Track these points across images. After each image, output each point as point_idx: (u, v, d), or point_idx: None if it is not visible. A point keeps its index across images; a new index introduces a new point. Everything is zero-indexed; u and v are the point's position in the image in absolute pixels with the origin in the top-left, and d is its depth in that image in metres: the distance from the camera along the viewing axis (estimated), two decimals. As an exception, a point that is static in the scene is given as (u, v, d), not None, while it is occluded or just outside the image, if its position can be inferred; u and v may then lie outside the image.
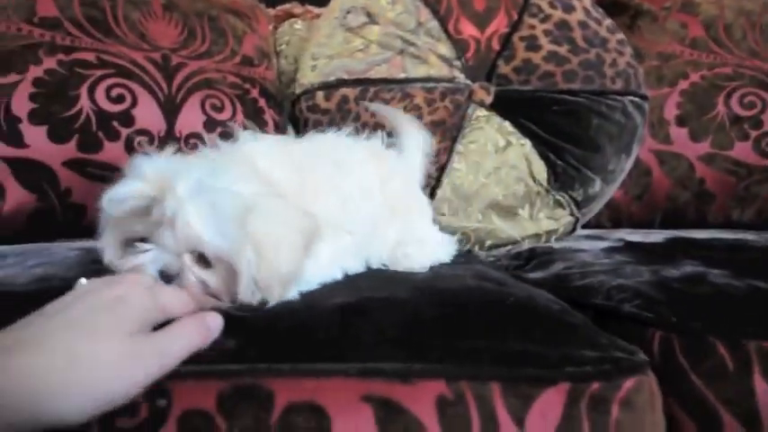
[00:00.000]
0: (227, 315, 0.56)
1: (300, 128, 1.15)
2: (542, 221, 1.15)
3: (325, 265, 0.68)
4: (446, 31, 1.16)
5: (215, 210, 0.55)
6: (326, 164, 0.73)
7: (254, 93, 1.21)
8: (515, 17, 1.16)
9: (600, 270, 0.83)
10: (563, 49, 1.16)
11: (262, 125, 1.19)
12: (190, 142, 1.07)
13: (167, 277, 0.56)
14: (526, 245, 1.13)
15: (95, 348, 0.42)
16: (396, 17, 1.14)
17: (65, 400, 0.40)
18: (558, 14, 1.16)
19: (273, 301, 0.59)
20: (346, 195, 0.72)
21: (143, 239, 0.57)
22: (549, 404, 0.52)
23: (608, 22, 1.21)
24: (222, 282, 0.58)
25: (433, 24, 1.15)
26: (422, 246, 0.83)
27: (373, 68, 1.12)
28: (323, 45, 1.15)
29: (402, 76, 1.13)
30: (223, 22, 1.23)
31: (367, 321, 0.58)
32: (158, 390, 0.47)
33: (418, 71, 1.13)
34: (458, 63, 1.16)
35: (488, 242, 1.13)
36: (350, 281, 0.68)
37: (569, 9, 1.17)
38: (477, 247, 1.14)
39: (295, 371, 0.50)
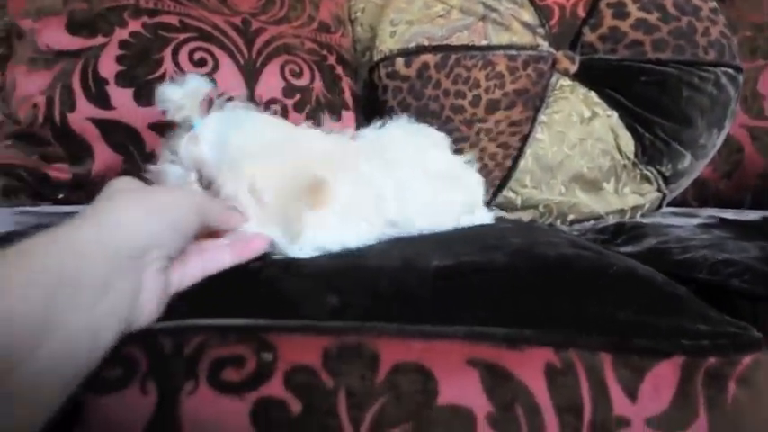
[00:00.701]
0: (327, 270, 0.56)
1: (379, 95, 1.13)
2: (628, 197, 1.11)
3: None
4: (530, -4, 1.12)
5: (221, 139, 0.59)
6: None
7: (332, 60, 1.20)
8: (603, -18, 1.11)
9: (700, 245, 0.78)
10: (653, 17, 1.10)
11: (338, 93, 1.17)
12: (270, 108, 1.06)
13: (207, 184, 0.60)
14: (610, 220, 1.09)
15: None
16: (478, -18, 1.11)
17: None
18: (647, -21, 1.11)
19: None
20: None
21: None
22: (663, 377, 0.49)
23: (701, -12, 1.15)
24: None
25: (517, -11, 1.12)
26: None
27: (454, 35, 1.09)
28: (402, 11, 1.13)
29: (484, 42, 1.09)
30: (300, -12, 1.21)
31: (468, 285, 0.56)
32: (264, 343, 0.46)
33: (501, 38, 1.10)
34: (541, 30, 1.12)
35: (571, 216, 1.10)
36: (442, 244, 0.66)
37: (660, -26, 1.12)
38: (558, 221, 1.11)
39: (401, 331, 0.48)
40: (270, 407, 0.44)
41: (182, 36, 1.01)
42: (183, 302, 0.50)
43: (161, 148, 0.64)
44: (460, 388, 0.46)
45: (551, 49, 1.12)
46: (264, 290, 0.52)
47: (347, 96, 1.19)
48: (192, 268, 0.52)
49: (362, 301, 0.52)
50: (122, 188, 0.50)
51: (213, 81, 0.65)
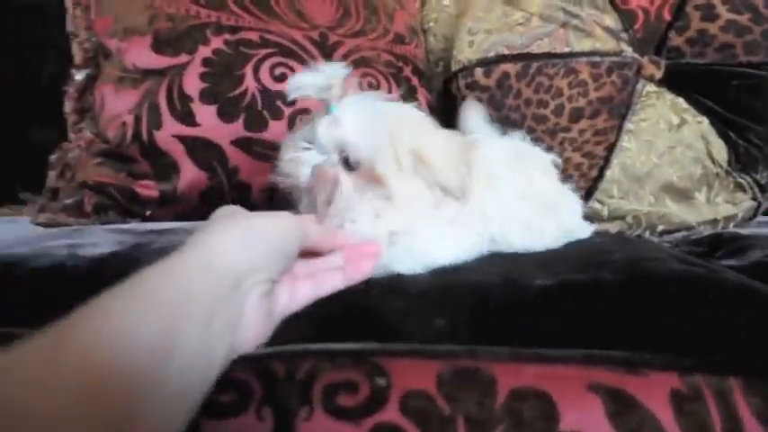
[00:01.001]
0: (430, 290, 0.54)
1: (458, 106, 1.11)
2: (720, 206, 1.06)
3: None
4: (612, 1, 1.08)
5: (368, 116, 0.61)
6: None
7: (407, 71, 1.19)
8: (689, -16, 1.07)
9: (812, 258, 0.74)
10: (743, 18, 1.05)
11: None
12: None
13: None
14: (702, 230, 1.05)
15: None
16: (558, -12, 1.08)
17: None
18: (737, -21, 1.06)
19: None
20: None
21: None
22: (797, 404, 0.46)
23: (794, -14, 1.10)
24: (358, 188, 0.62)
25: (599, -6, 1.08)
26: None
27: (535, 43, 1.07)
28: (480, 20, 1.11)
29: (566, 50, 1.07)
30: (375, 0, 1.21)
31: (577, 305, 0.54)
32: (376, 367, 0.45)
33: (583, 45, 1.07)
34: (625, 35, 1.09)
35: (660, 227, 1.06)
36: (540, 261, 0.64)
37: (750, -27, 1.07)
38: (647, 233, 1.07)
39: (515, 355, 0.46)
40: (386, 433, 0.43)
41: (262, 52, 1.02)
42: (291, 327, 0.50)
43: (285, 139, 0.68)
44: (583, 414, 0.44)
45: (636, 55, 1.08)
46: (371, 313, 0.51)
47: (423, 108, 1.18)
48: (301, 292, 0.52)
49: (469, 322, 0.50)
50: (223, 215, 0.50)
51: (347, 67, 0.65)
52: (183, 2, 1.02)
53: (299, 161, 0.64)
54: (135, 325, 0.36)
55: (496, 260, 0.66)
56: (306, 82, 0.62)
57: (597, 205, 1.07)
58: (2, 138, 1.14)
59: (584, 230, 0.85)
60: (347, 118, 0.61)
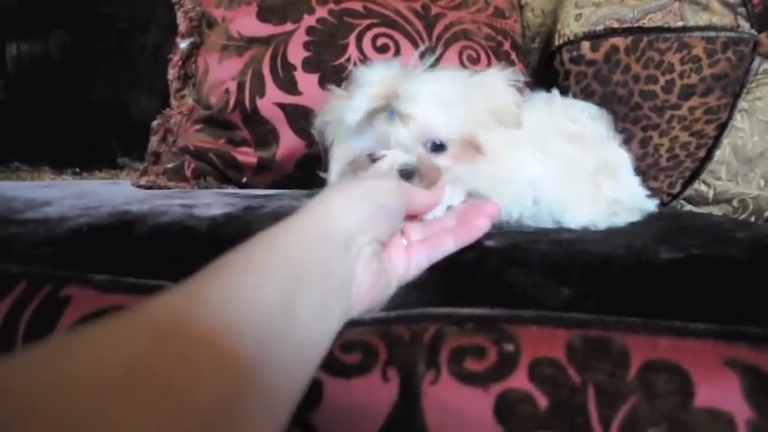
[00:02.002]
0: (551, 260, 0.53)
1: (560, 80, 1.08)
2: (839, 192, 1.00)
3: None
4: (731, -27, 1.03)
5: (441, 95, 0.61)
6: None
7: (507, 45, 1.16)
8: (819, -46, 1.01)
9: None
10: None
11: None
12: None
13: (407, 174, 0.60)
14: (814, 218, 0.99)
15: None
16: (673, -42, 1.03)
17: None
18: None
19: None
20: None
21: (369, 155, 0.64)
22: None
23: None
24: (458, 161, 0.63)
25: (718, -34, 1.03)
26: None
27: (647, 16, 1.02)
28: (588, -8, 1.07)
29: (679, 24, 1.01)
30: (475, -28, 1.19)
31: (708, 279, 0.51)
32: (504, 333, 0.44)
33: (698, 19, 1.02)
34: (743, 10, 1.03)
35: (768, 212, 1.01)
36: (666, 236, 0.61)
37: None
38: (753, 217, 1.02)
39: (648, 326, 0.45)
40: (516, 400, 0.42)
41: (365, 22, 1.01)
42: (413, 293, 0.49)
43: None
44: (719, 390, 0.42)
45: (753, 31, 1.02)
46: (491, 281, 0.50)
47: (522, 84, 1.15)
48: (415, 258, 0.51)
49: (597, 291, 0.48)
50: (336, 183, 0.51)
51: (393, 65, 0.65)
52: (289, -28, 1.02)
53: (381, 174, 0.61)
54: (263, 277, 0.36)
55: (611, 233, 0.64)
56: (368, 97, 0.61)
57: (703, 187, 1.03)
58: (101, 105, 1.17)
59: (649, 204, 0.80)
60: (420, 101, 0.60)
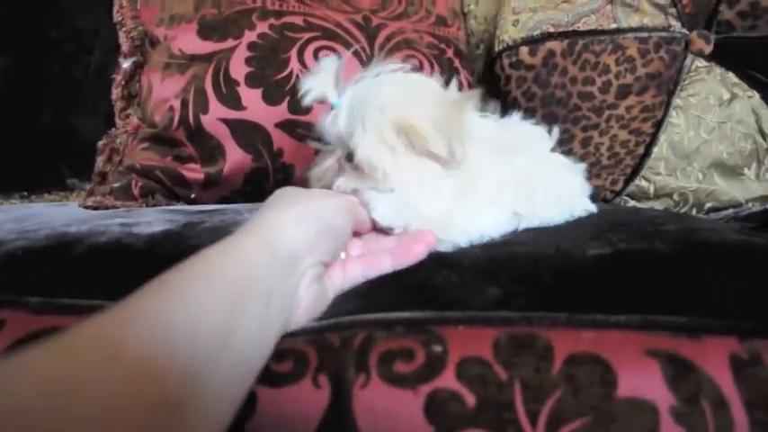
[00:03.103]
0: (482, 261, 0.54)
1: (501, 85, 1.10)
2: (770, 182, 1.03)
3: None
4: (660, -25, 1.06)
5: (350, 105, 0.59)
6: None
7: (450, 53, 1.18)
8: (742, -46, 1.04)
9: None
10: (797, -12, 1.02)
11: (457, 86, 1.15)
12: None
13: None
14: (751, 207, 1.03)
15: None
16: (604, -38, 1.06)
17: None
18: (792, -53, 1.03)
19: None
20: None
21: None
22: None
23: None
24: (359, 177, 0.60)
25: (647, -32, 1.06)
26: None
27: (581, 20, 1.05)
28: (523, -2, 1.10)
29: (613, 26, 1.05)
30: (417, -18, 1.21)
31: (632, 273, 0.53)
32: (432, 335, 0.45)
33: (630, 20, 1.05)
34: (673, 10, 1.06)
35: (708, 204, 1.04)
36: (595, 232, 0.63)
37: (805, -61, 1.03)
38: (694, 210, 1.05)
39: (572, 321, 0.46)
40: (444, 399, 0.43)
41: (306, 35, 1.02)
42: (345, 301, 0.50)
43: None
44: (641, 380, 0.43)
45: (684, 30, 1.06)
46: (425, 285, 0.52)
47: (465, 89, 1.17)
48: (351, 272, 0.52)
49: (525, 290, 0.50)
50: (282, 196, 0.51)
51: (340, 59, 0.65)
52: (231, -13, 1.03)
53: (320, 162, 0.65)
54: (200, 304, 0.36)
55: (544, 233, 0.66)
56: (313, 85, 0.62)
57: (644, 183, 1.05)
58: (48, 127, 1.17)
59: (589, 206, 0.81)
60: (342, 110, 0.60)
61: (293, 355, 0.45)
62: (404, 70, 0.65)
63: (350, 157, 0.60)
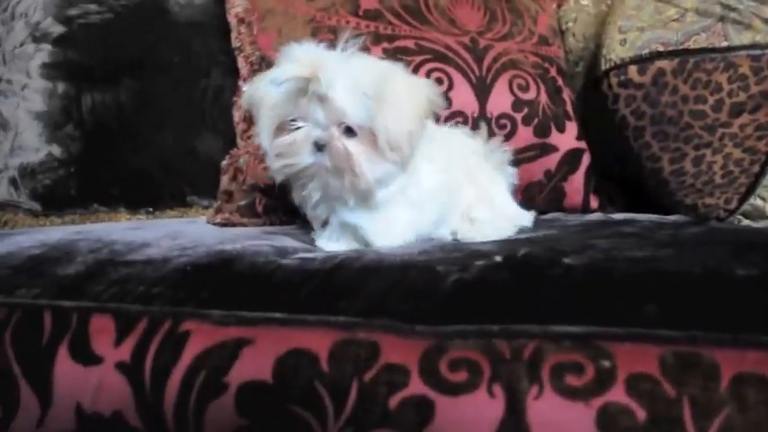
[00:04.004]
0: (635, 274, 0.56)
1: (608, 104, 1.11)
2: None
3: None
4: (772, -9, 1.06)
5: (357, 84, 0.66)
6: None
7: (553, 72, 1.20)
8: None
9: None
10: None
11: (561, 104, 1.18)
12: (500, 122, 1.09)
13: (319, 147, 0.68)
14: None
15: None
16: (714, -19, 1.07)
17: None
18: None
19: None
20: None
21: (293, 121, 0.70)
22: None
23: None
24: (363, 149, 0.68)
25: (758, -15, 1.06)
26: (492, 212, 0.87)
27: (691, 38, 1.05)
28: (632, 17, 1.11)
29: (724, 44, 1.04)
30: (518, 3, 1.24)
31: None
32: (600, 350, 0.47)
33: (743, 38, 1.04)
34: (787, 26, 1.06)
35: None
36: (733, 252, 0.64)
37: None
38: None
39: (736, 341, 0.48)
40: (616, 413, 0.45)
41: (419, 58, 1.06)
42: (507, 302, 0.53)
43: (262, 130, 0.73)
44: (808, 401, 0.45)
45: (799, 46, 1.05)
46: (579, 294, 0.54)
47: (569, 107, 1.19)
48: None
49: (681, 308, 0.52)
50: None
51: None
52: (343, 14, 1.08)
53: (297, 143, 0.69)
54: None
55: (680, 250, 0.67)
56: (289, 73, 0.67)
57: (759, 202, 1.05)
58: (170, 147, 1.23)
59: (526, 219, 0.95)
60: (338, 87, 0.66)
61: (466, 365, 0.48)
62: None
63: (350, 130, 0.68)
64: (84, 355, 0.57)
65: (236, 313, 0.55)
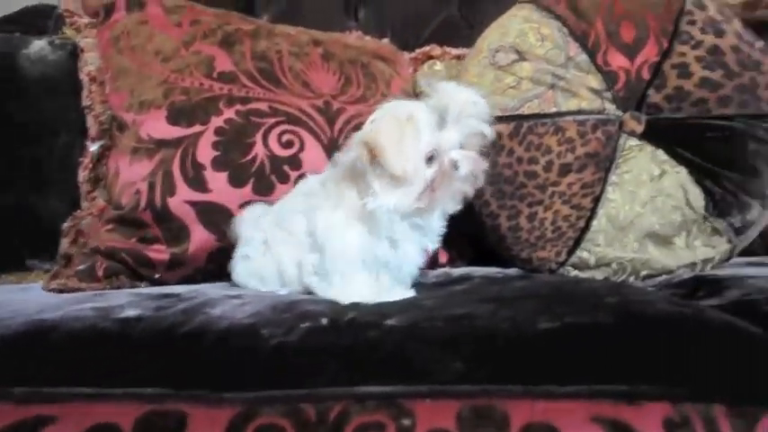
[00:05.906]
0: (449, 332, 0.59)
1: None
2: (698, 249, 1.13)
3: None
4: (595, 63, 1.16)
5: None
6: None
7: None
8: (666, 45, 1.14)
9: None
10: (716, 75, 1.13)
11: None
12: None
13: None
14: (682, 274, 1.11)
15: None
16: (545, 53, 1.16)
17: None
18: (709, 40, 1.13)
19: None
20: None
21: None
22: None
23: (760, 44, 1.17)
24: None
25: (583, 58, 1.16)
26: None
27: (525, 104, 1.14)
28: (473, 84, 1.18)
29: (554, 110, 1.14)
30: (373, 68, 1.29)
31: (579, 345, 0.59)
32: (402, 409, 0.50)
33: (569, 104, 1.14)
34: (608, 94, 1.16)
35: (643, 272, 1.13)
36: (545, 305, 0.69)
37: (720, 33, 1.14)
38: (632, 278, 1.13)
39: (527, 393, 0.51)
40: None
41: (271, 120, 1.09)
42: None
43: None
44: (589, 445, 0.49)
45: (618, 112, 1.16)
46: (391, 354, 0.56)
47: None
48: None
49: (485, 362, 0.55)
50: None
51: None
52: (197, 76, 1.09)
53: None
54: None
55: (500, 304, 0.71)
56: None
57: (585, 254, 1.13)
58: (10, 209, 1.19)
59: None
60: None
61: (271, 431, 0.49)
62: None
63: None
64: None
65: (40, 390, 0.54)
